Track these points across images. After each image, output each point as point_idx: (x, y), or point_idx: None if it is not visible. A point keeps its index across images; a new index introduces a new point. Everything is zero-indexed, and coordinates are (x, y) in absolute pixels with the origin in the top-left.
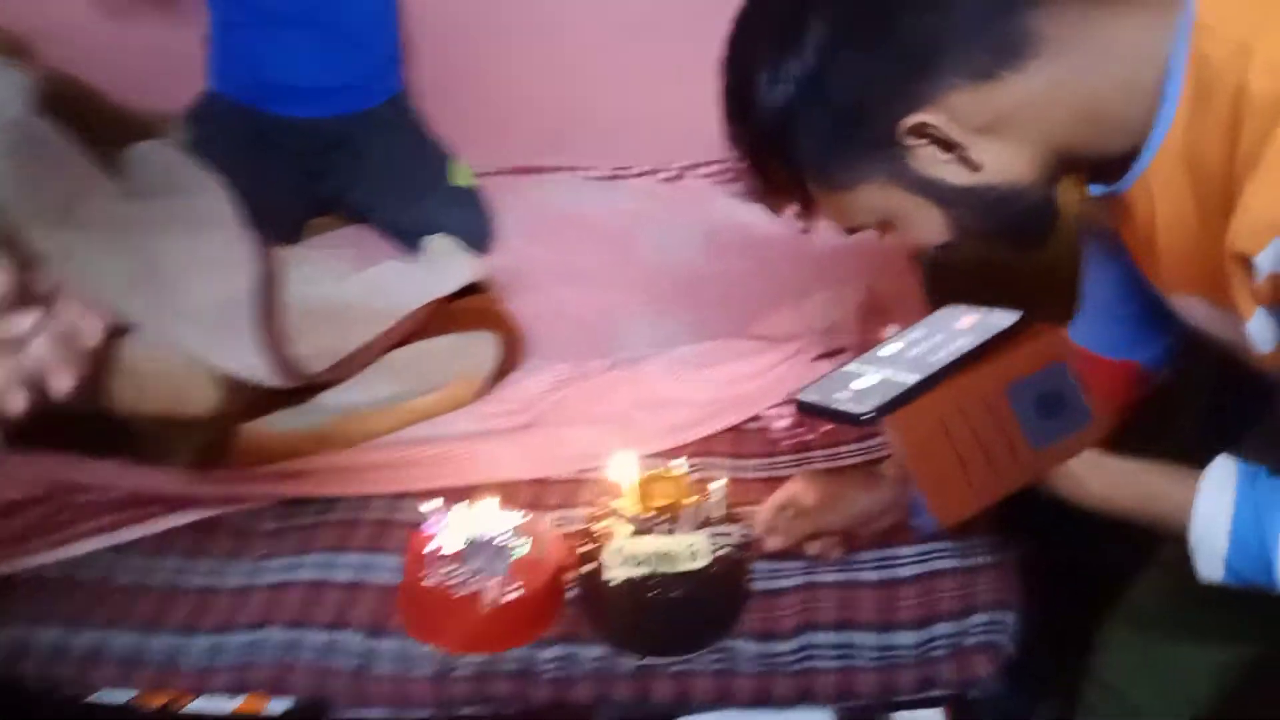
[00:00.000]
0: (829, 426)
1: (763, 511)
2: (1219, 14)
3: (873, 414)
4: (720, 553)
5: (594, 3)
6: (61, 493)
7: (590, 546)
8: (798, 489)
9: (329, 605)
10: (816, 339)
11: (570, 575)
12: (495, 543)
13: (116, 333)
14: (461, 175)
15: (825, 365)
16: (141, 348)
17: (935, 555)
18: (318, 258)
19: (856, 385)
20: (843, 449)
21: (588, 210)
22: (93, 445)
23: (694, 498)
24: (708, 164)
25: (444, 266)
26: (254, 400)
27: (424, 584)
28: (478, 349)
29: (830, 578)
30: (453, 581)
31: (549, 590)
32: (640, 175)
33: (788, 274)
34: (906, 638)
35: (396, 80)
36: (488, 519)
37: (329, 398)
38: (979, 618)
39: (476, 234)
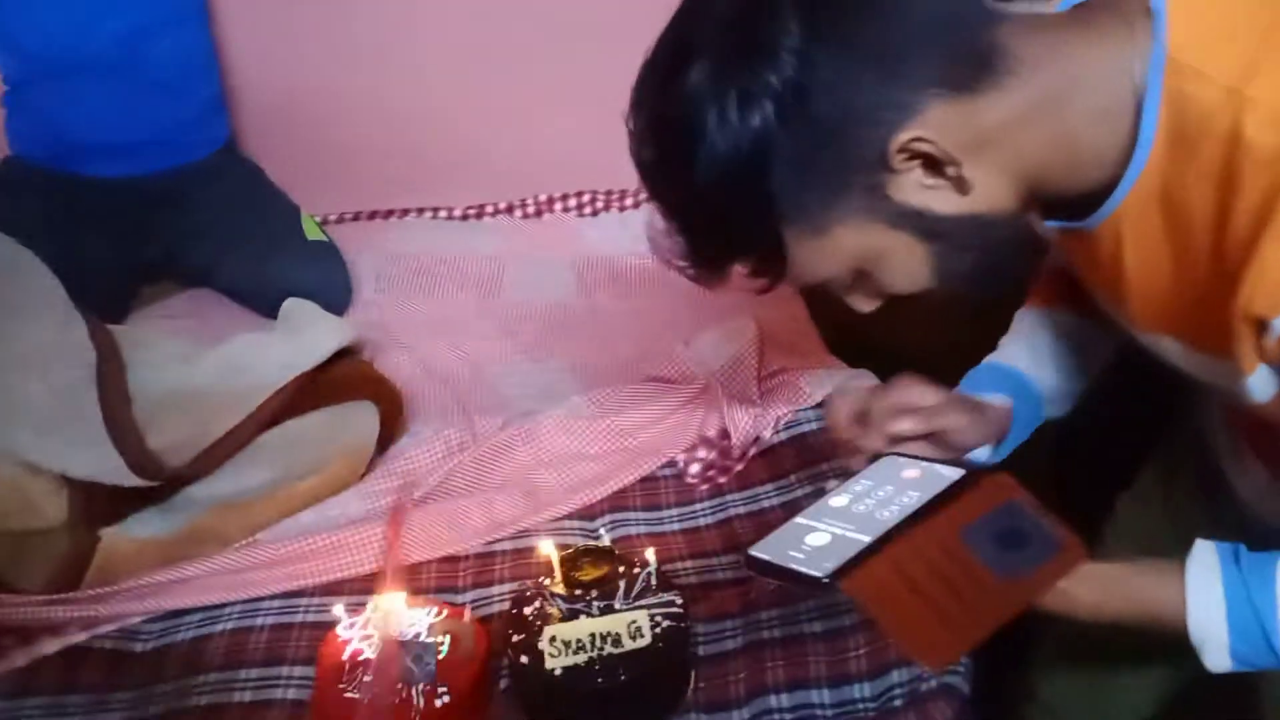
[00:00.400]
0: (741, 468)
1: (840, 405)
2: (1198, 51)
3: (831, 576)
4: (663, 625)
5: (435, 32)
6: None
7: (521, 635)
8: (916, 383)
9: None
10: (718, 376)
11: (497, 664)
12: (416, 644)
13: None
14: (310, 228)
15: (739, 407)
16: None
17: None
18: (156, 337)
19: (810, 541)
20: (760, 489)
21: (447, 254)
22: None
23: (623, 569)
24: (568, 196)
25: (308, 334)
26: (110, 504)
27: (344, 696)
28: (357, 420)
29: (776, 633)
30: (377, 690)
31: (480, 687)
32: (498, 213)
33: (663, 308)
34: (862, 690)
35: (222, 130)
36: (401, 617)
37: (197, 491)
38: None
39: (335, 291)
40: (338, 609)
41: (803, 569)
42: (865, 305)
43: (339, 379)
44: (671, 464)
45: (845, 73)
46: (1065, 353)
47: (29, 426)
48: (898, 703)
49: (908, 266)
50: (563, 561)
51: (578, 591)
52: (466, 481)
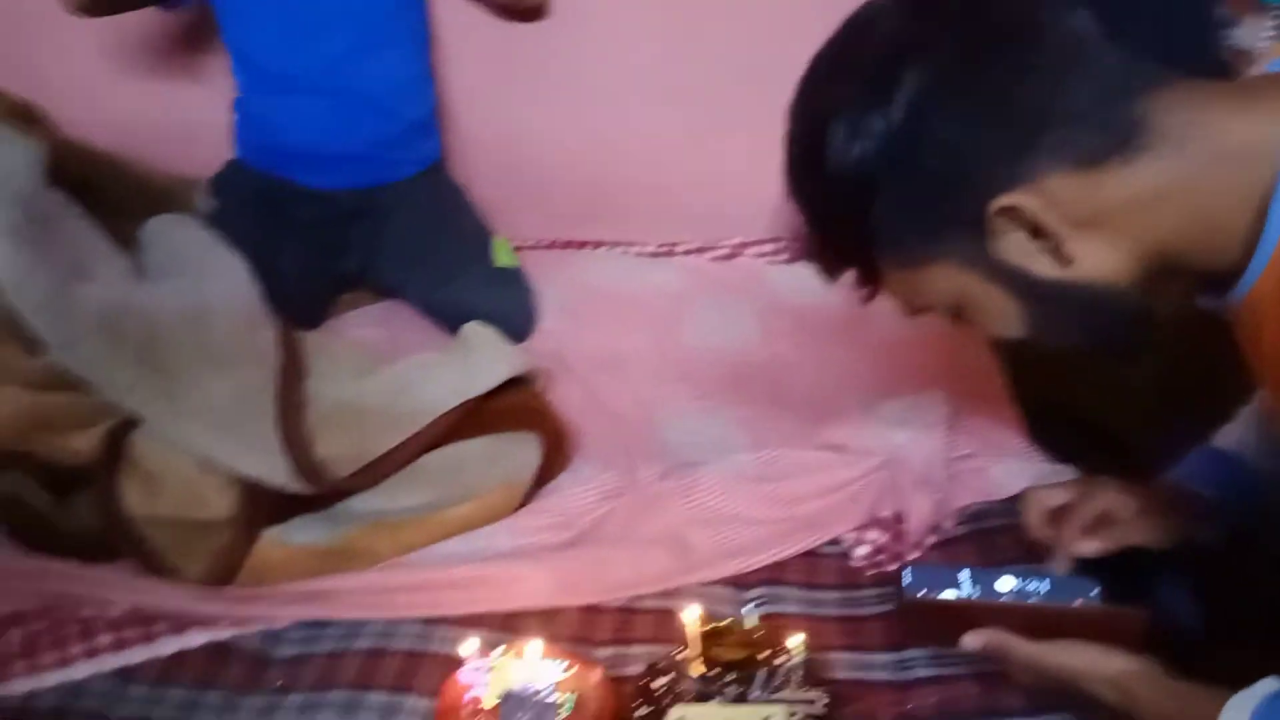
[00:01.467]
0: (915, 557)
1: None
2: None
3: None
4: None
5: (644, 68)
6: (59, 607)
7: (649, 710)
8: (1115, 494)
9: None
10: (900, 452)
11: None
12: (539, 700)
13: (125, 427)
14: (503, 254)
15: (919, 490)
16: (152, 445)
17: None
18: (339, 348)
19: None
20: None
21: (632, 289)
22: (95, 552)
23: (767, 653)
24: (763, 242)
25: (481, 360)
26: (272, 507)
27: None
28: (519, 452)
29: None
30: None
31: None
32: (689, 253)
33: (848, 365)
34: None
35: (432, 150)
36: (529, 668)
37: (354, 506)
38: None
39: (517, 318)
40: (466, 647)
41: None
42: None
43: (506, 408)
44: (836, 542)
45: (962, 130)
46: None
47: (208, 422)
48: None
49: (1002, 318)
50: (703, 636)
51: (714, 671)
52: (618, 529)
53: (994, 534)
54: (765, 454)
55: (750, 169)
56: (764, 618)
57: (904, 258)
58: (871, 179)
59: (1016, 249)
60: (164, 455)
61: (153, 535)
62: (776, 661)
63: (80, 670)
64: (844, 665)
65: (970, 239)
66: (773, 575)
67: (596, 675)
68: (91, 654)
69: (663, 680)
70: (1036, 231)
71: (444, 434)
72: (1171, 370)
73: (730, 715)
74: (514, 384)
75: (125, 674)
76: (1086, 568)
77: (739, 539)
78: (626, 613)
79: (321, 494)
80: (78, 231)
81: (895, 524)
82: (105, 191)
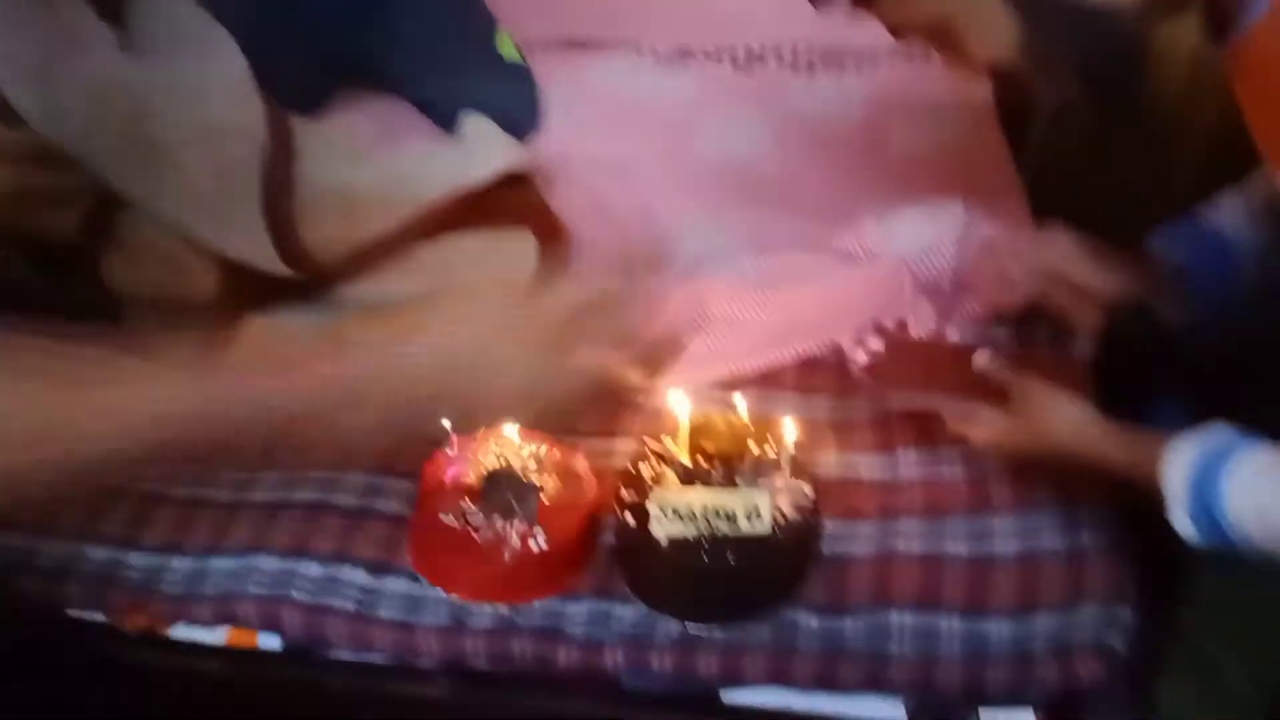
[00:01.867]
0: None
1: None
2: None
3: None
4: (787, 514)
5: None
6: None
7: (632, 493)
8: (1061, 239)
9: (329, 533)
10: (910, 261)
11: (606, 520)
12: (522, 480)
13: (110, 204)
14: (506, 47)
15: (925, 299)
16: (137, 222)
17: (1039, 531)
18: (333, 133)
19: None
20: (933, 395)
21: (644, 95)
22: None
23: (758, 444)
24: (781, 47)
25: (478, 150)
26: (259, 290)
27: (439, 519)
28: (513, 249)
29: (915, 547)
30: (472, 521)
31: (581, 537)
32: (706, 57)
33: (865, 181)
34: (999, 629)
35: None
36: (512, 448)
37: (342, 294)
38: (1089, 611)
39: (521, 114)
40: (446, 424)
41: None
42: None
43: (503, 203)
44: (837, 348)
45: None
46: None
47: (190, 201)
48: (1037, 651)
49: (993, 32)
50: (692, 424)
51: (701, 459)
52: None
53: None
54: (769, 260)
55: None
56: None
57: None
58: None
59: None
60: (149, 233)
61: (136, 312)
62: (764, 452)
63: None
64: (834, 465)
65: None
66: (767, 380)
67: (578, 457)
68: None
69: (649, 465)
70: None
71: (437, 224)
72: (1176, 141)
73: (713, 499)
74: (513, 182)
75: None
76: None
77: (736, 342)
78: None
79: (309, 279)
80: (66, 4)
81: (899, 332)
82: None
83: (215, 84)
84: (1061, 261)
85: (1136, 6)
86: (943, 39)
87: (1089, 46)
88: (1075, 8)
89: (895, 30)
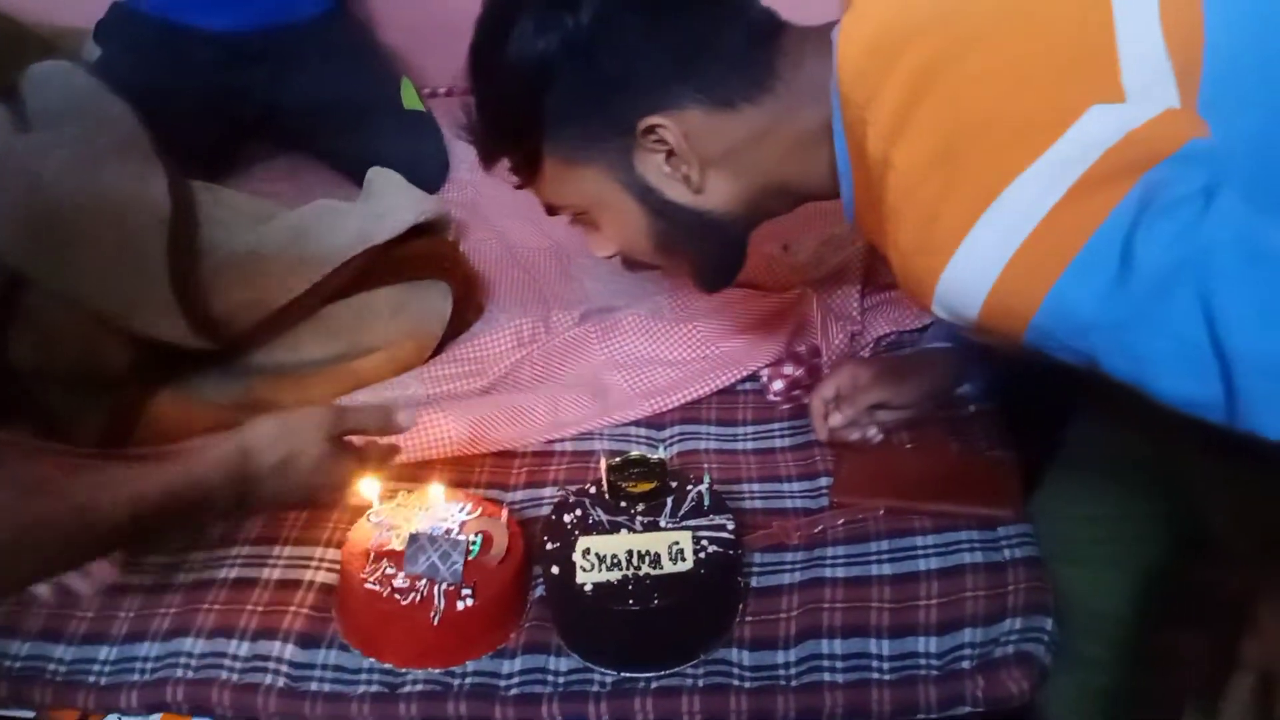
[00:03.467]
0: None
1: (814, 402)
2: (850, 70)
3: None
4: (709, 550)
5: None
6: None
7: (556, 544)
8: (849, 369)
9: (256, 608)
10: (816, 287)
11: (534, 572)
12: (445, 540)
13: (15, 284)
14: (410, 98)
15: (834, 322)
16: (45, 301)
17: (959, 546)
18: (237, 197)
19: None
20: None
21: None
22: None
23: (676, 484)
24: None
25: (386, 205)
26: (169, 362)
27: (365, 587)
28: (428, 301)
29: (840, 572)
30: (398, 585)
31: (509, 594)
32: None
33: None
34: (927, 645)
35: None
36: (436, 510)
37: (257, 359)
38: (1011, 622)
39: (430, 165)
40: (370, 493)
41: None
42: (599, 252)
43: (414, 255)
44: (754, 378)
45: (635, 45)
46: None
47: (95, 277)
48: (965, 664)
49: (629, 229)
50: (610, 470)
51: (622, 504)
52: (534, 375)
53: None
54: (681, 295)
55: None
56: (680, 454)
57: (564, 152)
58: (550, 72)
59: (655, 171)
60: (57, 311)
61: (46, 393)
62: (685, 491)
63: None
64: (758, 495)
65: (621, 150)
66: (688, 414)
67: (502, 514)
68: None
69: (572, 514)
70: (671, 156)
71: (349, 283)
72: None
73: (636, 542)
74: (423, 231)
75: None
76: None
77: (656, 380)
78: (541, 456)
79: (220, 350)
80: None
81: (811, 357)
82: None
83: (114, 156)
84: (857, 392)
85: (746, 210)
86: (584, 223)
87: (704, 249)
88: (697, 222)
89: (548, 208)
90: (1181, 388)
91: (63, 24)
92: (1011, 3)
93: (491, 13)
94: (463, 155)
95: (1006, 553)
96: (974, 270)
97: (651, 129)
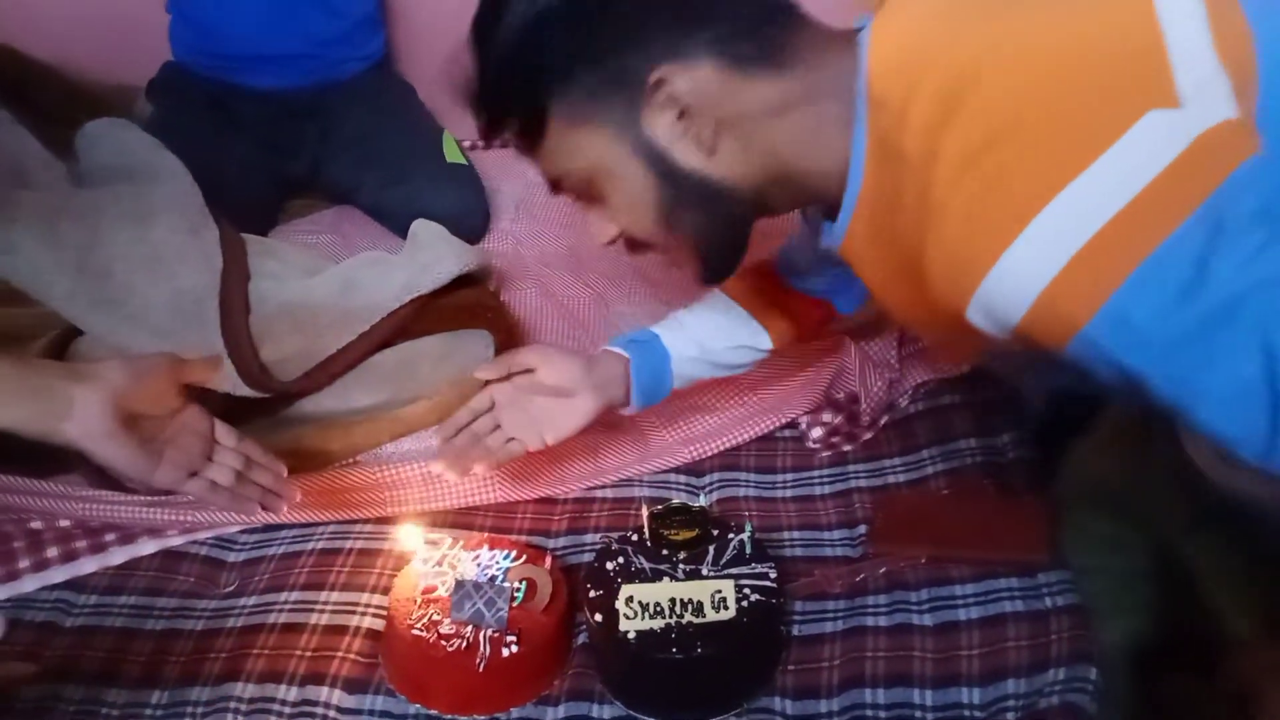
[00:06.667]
0: (869, 437)
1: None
2: (884, 69)
3: None
4: (751, 599)
5: None
6: (5, 520)
7: (599, 592)
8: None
9: (305, 653)
10: (855, 334)
11: (578, 620)
12: (490, 587)
13: (68, 337)
14: (452, 150)
15: (873, 369)
16: (96, 353)
17: (1000, 595)
18: (287, 249)
19: None
20: (887, 461)
21: None
22: (45, 464)
23: (718, 532)
24: None
25: (431, 256)
26: (219, 412)
27: (411, 633)
28: (471, 349)
29: (882, 621)
30: (443, 632)
31: (553, 641)
32: None
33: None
34: (970, 695)
35: (377, 47)
36: (481, 558)
37: (305, 407)
38: (1055, 673)
39: (472, 216)
40: (415, 541)
41: None
42: (601, 235)
43: (457, 305)
44: (793, 425)
45: None
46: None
47: (148, 328)
48: (1010, 715)
49: (634, 198)
50: (652, 518)
51: (665, 552)
52: None
53: (949, 411)
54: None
55: None
56: (719, 501)
57: (570, 112)
58: (556, 16)
59: (665, 130)
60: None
61: None
62: (726, 539)
63: (28, 584)
64: (798, 543)
65: (628, 108)
66: (728, 461)
67: (546, 562)
68: (40, 566)
69: (614, 562)
70: (682, 116)
71: (395, 332)
72: None
73: (679, 590)
74: (466, 282)
75: (75, 585)
76: None
77: (696, 427)
78: (582, 503)
79: (268, 399)
80: (13, 138)
81: (850, 405)
82: (39, 99)
83: (167, 211)
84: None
85: (753, 188)
86: (588, 197)
87: (710, 224)
88: (707, 191)
89: (551, 179)
90: (1224, 419)
91: (115, 82)
92: (1055, 5)
93: None
94: (504, 206)
95: (1048, 600)
96: (1023, 273)
97: (661, 83)
